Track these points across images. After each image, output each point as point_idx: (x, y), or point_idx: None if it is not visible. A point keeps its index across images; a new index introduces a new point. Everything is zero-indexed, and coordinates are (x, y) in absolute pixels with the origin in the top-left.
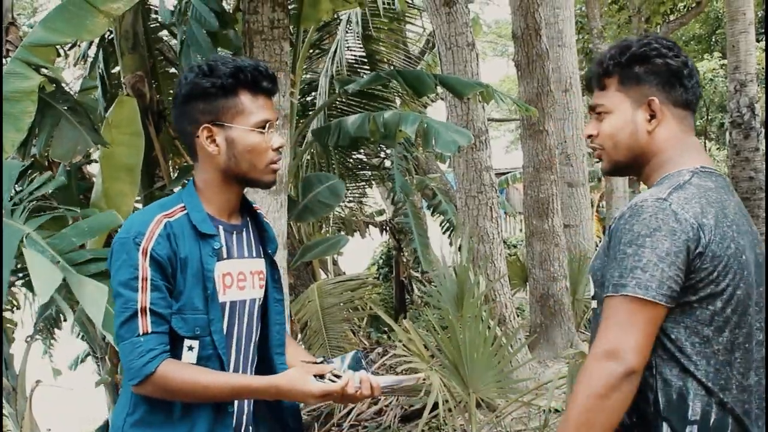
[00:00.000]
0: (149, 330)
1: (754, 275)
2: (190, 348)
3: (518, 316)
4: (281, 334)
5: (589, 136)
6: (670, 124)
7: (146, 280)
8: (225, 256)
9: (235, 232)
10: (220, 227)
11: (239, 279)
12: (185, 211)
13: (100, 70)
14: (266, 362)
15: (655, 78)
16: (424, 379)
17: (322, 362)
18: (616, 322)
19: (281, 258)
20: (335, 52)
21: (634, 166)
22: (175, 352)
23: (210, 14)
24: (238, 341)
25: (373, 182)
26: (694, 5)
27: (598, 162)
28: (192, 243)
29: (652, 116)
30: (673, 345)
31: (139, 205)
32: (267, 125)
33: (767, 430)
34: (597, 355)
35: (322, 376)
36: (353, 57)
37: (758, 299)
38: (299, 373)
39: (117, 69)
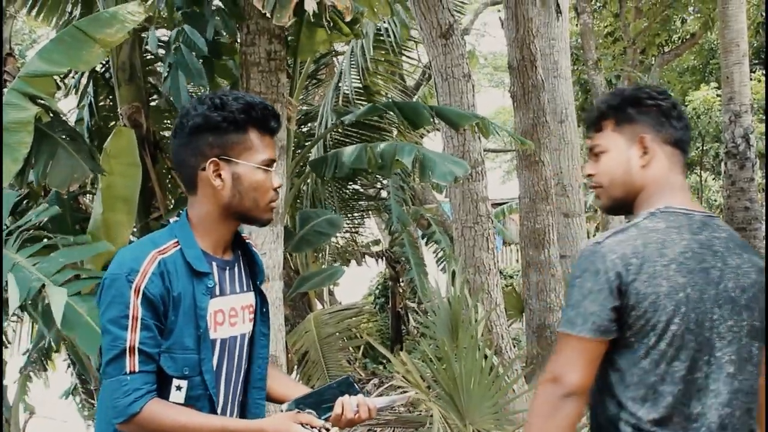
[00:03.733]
0: (137, 369)
1: (712, 309)
2: (179, 388)
3: (515, 346)
4: (263, 368)
5: (589, 175)
6: (660, 160)
7: (137, 319)
8: (217, 293)
9: (227, 268)
10: (214, 264)
11: (231, 315)
12: (178, 247)
13: (89, 101)
14: (242, 396)
15: (647, 118)
16: (421, 411)
17: (309, 395)
18: (558, 353)
19: (277, 289)
20: (337, 83)
21: (628, 201)
22: (163, 392)
23: (201, 40)
24: (227, 378)
25: (370, 213)
26: (688, 37)
27: (592, 191)
28: (186, 281)
29: (645, 152)
30: (617, 375)
31: (134, 238)
32: (271, 164)
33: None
34: (543, 381)
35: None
36: (350, 89)
37: (723, 332)
38: (285, 419)
39: (105, 101)
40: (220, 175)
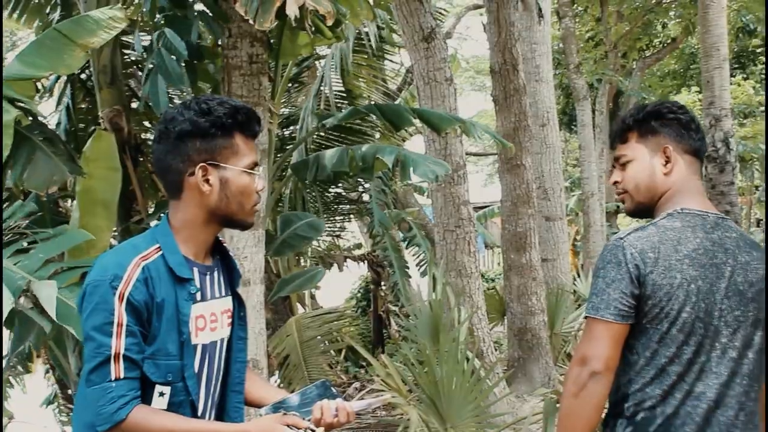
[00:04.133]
0: (122, 376)
1: (721, 300)
2: (161, 394)
3: (496, 350)
4: (241, 372)
5: (615, 183)
6: (680, 168)
7: (121, 325)
8: (199, 299)
9: (208, 273)
10: (195, 269)
11: (211, 320)
12: (160, 252)
13: (67, 104)
14: (221, 400)
15: (668, 130)
16: (401, 415)
17: (288, 399)
18: (586, 337)
19: (258, 293)
20: (319, 87)
21: (651, 205)
22: (145, 398)
23: (182, 44)
24: (208, 382)
25: (352, 216)
26: (669, 41)
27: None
28: (168, 286)
29: (667, 161)
30: (632, 357)
31: (114, 241)
32: (255, 167)
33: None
34: (572, 363)
35: (295, 426)
36: (330, 92)
37: (730, 320)
38: (271, 421)
39: (83, 104)
40: (207, 180)
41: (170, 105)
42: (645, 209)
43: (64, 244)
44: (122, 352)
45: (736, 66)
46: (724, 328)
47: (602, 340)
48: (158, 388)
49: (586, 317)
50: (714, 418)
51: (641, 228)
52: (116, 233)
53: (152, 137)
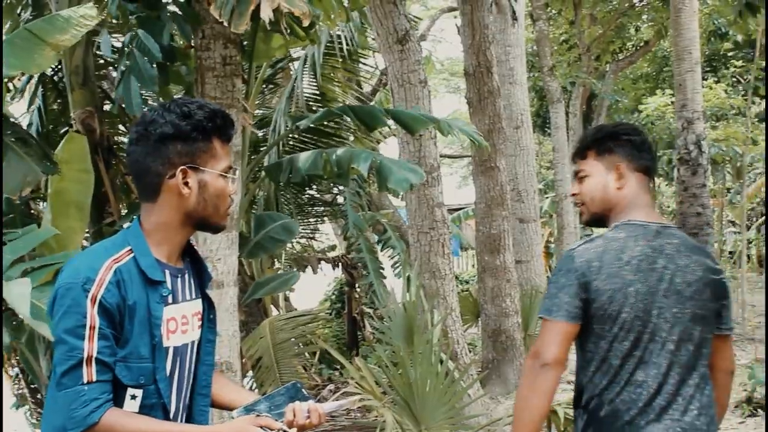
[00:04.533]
0: (94, 379)
1: (660, 300)
2: (133, 397)
3: (470, 351)
4: (208, 375)
5: (574, 194)
6: (632, 184)
7: (94, 328)
8: (170, 301)
9: (179, 276)
10: (167, 272)
11: (183, 323)
12: (132, 255)
13: (39, 105)
14: (188, 403)
15: (622, 150)
16: (376, 417)
17: (259, 401)
18: (540, 335)
19: (232, 295)
20: (291, 89)
21: (604, 215)
22: (116, 401)
23: (155, 45)
24: (179, 385)
25: (326, 218)
26: (642, 44)
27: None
28: (140, 289)
29: (620, 177)
30: (585, 354)
31: (87, 243)
32: (230, 171)
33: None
34: (527, 358)
35: (269, 427)
36: (307, 95)
37: (669, 317)
38: (244, 423)
39: (55, 105)
40: (187, 183)
41: (147, 107)
42: (599, 219)
43: (32, 242)
44: (95, 355)
45: (708, 69)
46: (663, 323)
47: (553, 338)
48: (130, 391)
49: (540, 317)
50: (655, 403)
51: (590, 240)
52: (89, 235)
53: (126, 139)
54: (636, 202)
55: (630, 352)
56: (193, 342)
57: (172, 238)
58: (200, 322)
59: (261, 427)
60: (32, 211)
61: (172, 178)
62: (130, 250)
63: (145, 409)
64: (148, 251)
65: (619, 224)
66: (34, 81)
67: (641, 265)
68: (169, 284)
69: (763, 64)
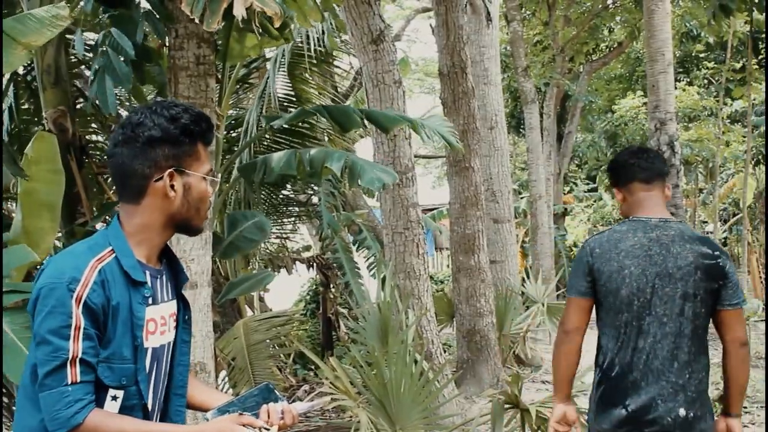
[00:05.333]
0: (78, 379)
1: (653, 281)
2: (114, 398)
3: (445, 351)
4: (184, 375)
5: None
6: (630, 195)
7: (79, 328)
8: (151, 302)
9: (158, 277)
10: (147, 273)
11: (161, 324)
12: (114, 255)
13: (10, 104)
14: (164, 404)
15: (612, 177)
16: (351, 417)
17: (232, 402)
18: (564, 309)
19: (206, 295)
20: (264, 89)
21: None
22: (98, 402)
23: (129, 44)
24: (156, 386)
25: (301, 219)
26: (615, 45)
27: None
28: (123, 290)
29: (619, 196)
30: (600, 322)
31: (59, 243)
32: (211, 173)
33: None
34: (558, 329)
35: (251, 425)
36: (282, 96)
37: (662, 294)
38: (228, 422)
39: (27, 104)
40: (172, 186)
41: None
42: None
43: (9, 264)
44: (80, 355)
45: (681, 71)
46: (657, 300)
47: (570, 310)
48: (111, 392)
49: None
50: (653, 366)
51: (601, 232)
52: (61, 235)
53: (99, 138)
54: (639, 205)
55: (630, 321)
56: (169, 343)
57: (153, 239)
58: (176, 323)
59: (244, 426)
60: (3, 211)
61: (159, 180)
62: (112, 250)
63: (125, 410)
64: (131, 252)
65: (625, 221)
66: (5, 80)
67: (637, 251)
68: (149, 285)
69: (735, 65)
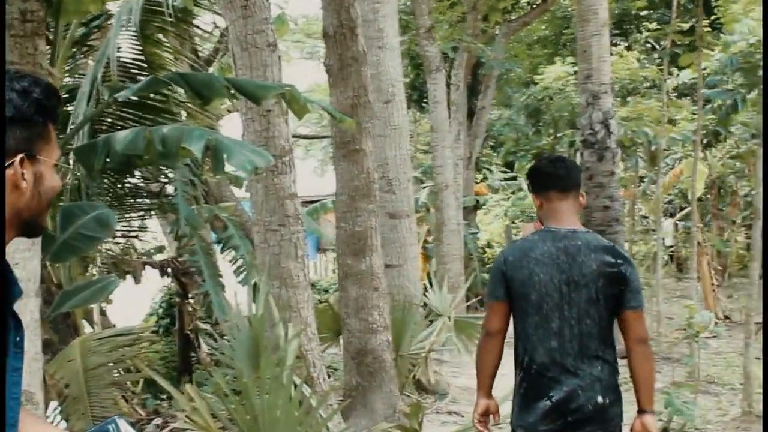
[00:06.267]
0: None
1: (559, 287)
2: None
3: (330, 376)
4: (15, 411)
5: None
6: (546, 205)
7: None
8: None
9: None
10: None
11: None
12: None
13: None
14: None
15: (531, 185)
16: None
17: None
18: (486, 314)
19: (33, 308)
20: (104, 52)
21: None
22: None
23: None
24: None
25: (152, 213)
26: (538, 2)
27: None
28: None
29: (537, 203)
30: (518, 326)
31: None
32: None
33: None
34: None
35: None
36: (129, 62)
37: (569, 299)
38: None
39: None
40: (23, 175)
41: None
42: None
43: None
44: None
45: (618, 33)
46: (564, 305)
47: (489, 314)
48: None
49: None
50: (567, 363)
51: (515, 242)
52: None
53: None
54: (554, 213)
55: (541, 324)
56: None
57: None
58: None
59: None
60: None
61: (8, 168)
62: None
63: None
64: None
65: (538, 231)
66: None
67: (545, 260)
68: None
69: (683, 26)
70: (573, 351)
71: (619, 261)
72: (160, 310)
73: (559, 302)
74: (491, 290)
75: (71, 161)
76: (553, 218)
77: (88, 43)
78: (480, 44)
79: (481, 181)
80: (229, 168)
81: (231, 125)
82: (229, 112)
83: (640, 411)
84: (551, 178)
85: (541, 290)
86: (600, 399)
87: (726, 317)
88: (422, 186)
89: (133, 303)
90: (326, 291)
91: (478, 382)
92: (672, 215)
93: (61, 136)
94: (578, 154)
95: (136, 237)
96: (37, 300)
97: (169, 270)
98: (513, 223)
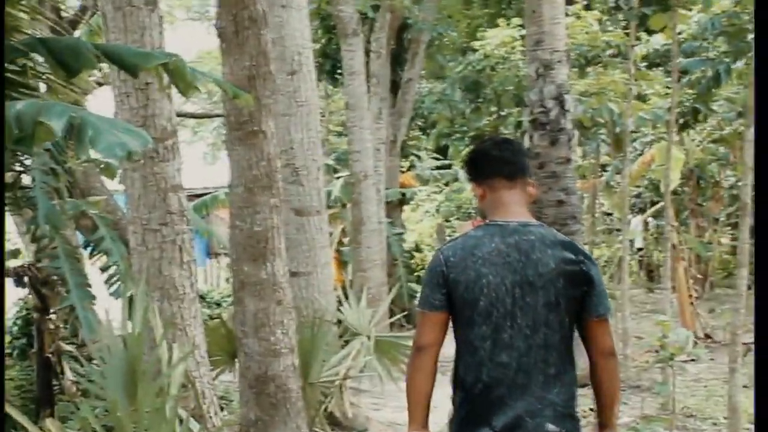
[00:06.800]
0: None
1: (512, 290)
2: None
3: (223, 409)
4: None
5: None
6: (490, 196)
7: None
8: None
9: None
10: None
11: None
12: None
13: None
14: None
15: (469, 171)
16: None
17: None
18: (417, 325)
19: None
20: None
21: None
22: None
23: None
24: None
25: (4, 209)
26: None
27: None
28: None
29: (476, 192)
30: (458, 339)
31: None
32: None
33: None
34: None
35: None
36: None
37: (522, 305)
38: None
39: None
40: None
41: None
42: None
43: None
44: None
45: None
46: (518, 311)
47: (422, 325)
48: None
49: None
50: (518, 381)
51: (455, 238)
52: None
53: None
54: (500, 204)
55: (490, 335)
56: None
57: None
58: None
59: None
60: None
61: None
62: None
63: None
64: None
65: (482, 225)
66: None
67: (494, 259)
68: None
69: None
70: (527, 367)
71: (580, 257)
72: (15, 329)
73: (511, 309)
74: (426, 297)
75: None
76: (499, 210)
77: None
78: (406, 3)
79: (408, 169)
80: (96, 152)
81: (100, 101)
82: (99, 84)
83: (602, 426)
84: (496, 162)
85: (490, 295)
86: (551, 427)
87: (707, 336)
88: (336, 176)
89: None
90: (219, 305)
91: (409, 412)
92: (641, 211)
93: None
94: (526, 137)
95: None
96: None
97: (26, 279)
98: (447, 221)
